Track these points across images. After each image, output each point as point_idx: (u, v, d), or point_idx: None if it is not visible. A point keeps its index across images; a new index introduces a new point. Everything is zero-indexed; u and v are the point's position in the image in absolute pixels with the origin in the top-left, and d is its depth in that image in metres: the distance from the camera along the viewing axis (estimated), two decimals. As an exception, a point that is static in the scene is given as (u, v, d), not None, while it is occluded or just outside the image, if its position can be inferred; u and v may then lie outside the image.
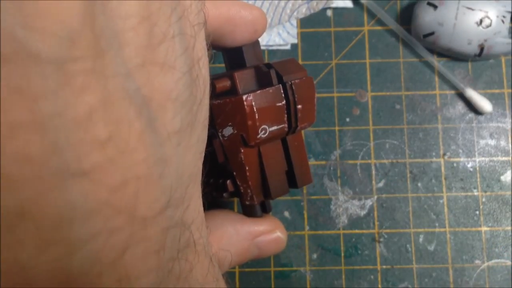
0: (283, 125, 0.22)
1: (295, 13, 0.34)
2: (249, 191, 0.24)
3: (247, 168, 0.23)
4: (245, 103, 0.21)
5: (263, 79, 0.22)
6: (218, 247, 0.24)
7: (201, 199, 0.17)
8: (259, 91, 0.21)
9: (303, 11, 0.34)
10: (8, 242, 0.10)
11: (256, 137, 0.22)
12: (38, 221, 0.10)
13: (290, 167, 0.24)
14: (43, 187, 0.10)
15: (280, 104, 0.22)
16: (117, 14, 0.12)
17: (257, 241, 0.26)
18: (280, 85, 0.22)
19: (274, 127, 0.22)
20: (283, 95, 0.22)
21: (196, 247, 0.16)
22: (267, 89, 0.22)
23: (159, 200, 0.13)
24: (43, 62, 0.10)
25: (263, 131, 0.22)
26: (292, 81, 0.22)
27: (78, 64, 0.10)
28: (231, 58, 0.25)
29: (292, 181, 0.24)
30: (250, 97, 0.21)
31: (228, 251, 0.24)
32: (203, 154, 0.17)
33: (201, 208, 0.17)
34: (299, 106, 0.22)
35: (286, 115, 0.22)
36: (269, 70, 0.22)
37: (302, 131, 0.29)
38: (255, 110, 0.21)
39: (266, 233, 0.26)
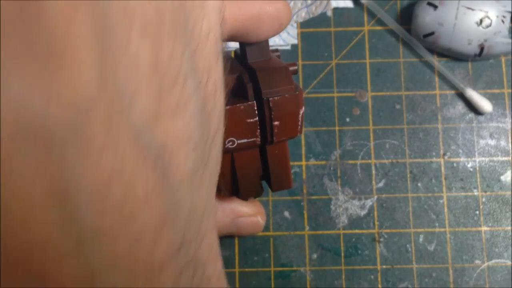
0: (254, 139, 0.22)
1: (294, 17, 0.34)
2: (221, 186, 0.24)
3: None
4: None
5: (240, 90, 0.22)
6: None
7: (215, 230, 0.17)
8: (228, 107, 0.21)
9: (302, 15, 0.34)
10: None
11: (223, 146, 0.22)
12: (59, 284, 0.10)
13: (267, 173, 0.25)
14: (62, 252, 0.10)
15: (251, 120, 0.21)
16: (129, 67, 0.11)
17: (238, 220, 0.28)
18: (254, 102, 0.21)
19: (244, 140, 0.22)
20: (256, 112, 0.21)
21: (211, 282, 0.16)
22: (238, 105, 0.21)
23: (174, 243, 0.13)
24: (60, 131, 0.10)
25: (230, 143, 0.22)
26: (271, 98, 0.21)
27: (95, 128, 0.10)
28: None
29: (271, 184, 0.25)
30: None
31: None
32: (215, 185, 0.17)
33: (216, 240, 0.17)
34: (276, 123, 0.22)
35: (259, 130, 0.22)
36: (247, 84, 0.21)
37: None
38: None
39: (248, 216, 0.28)
